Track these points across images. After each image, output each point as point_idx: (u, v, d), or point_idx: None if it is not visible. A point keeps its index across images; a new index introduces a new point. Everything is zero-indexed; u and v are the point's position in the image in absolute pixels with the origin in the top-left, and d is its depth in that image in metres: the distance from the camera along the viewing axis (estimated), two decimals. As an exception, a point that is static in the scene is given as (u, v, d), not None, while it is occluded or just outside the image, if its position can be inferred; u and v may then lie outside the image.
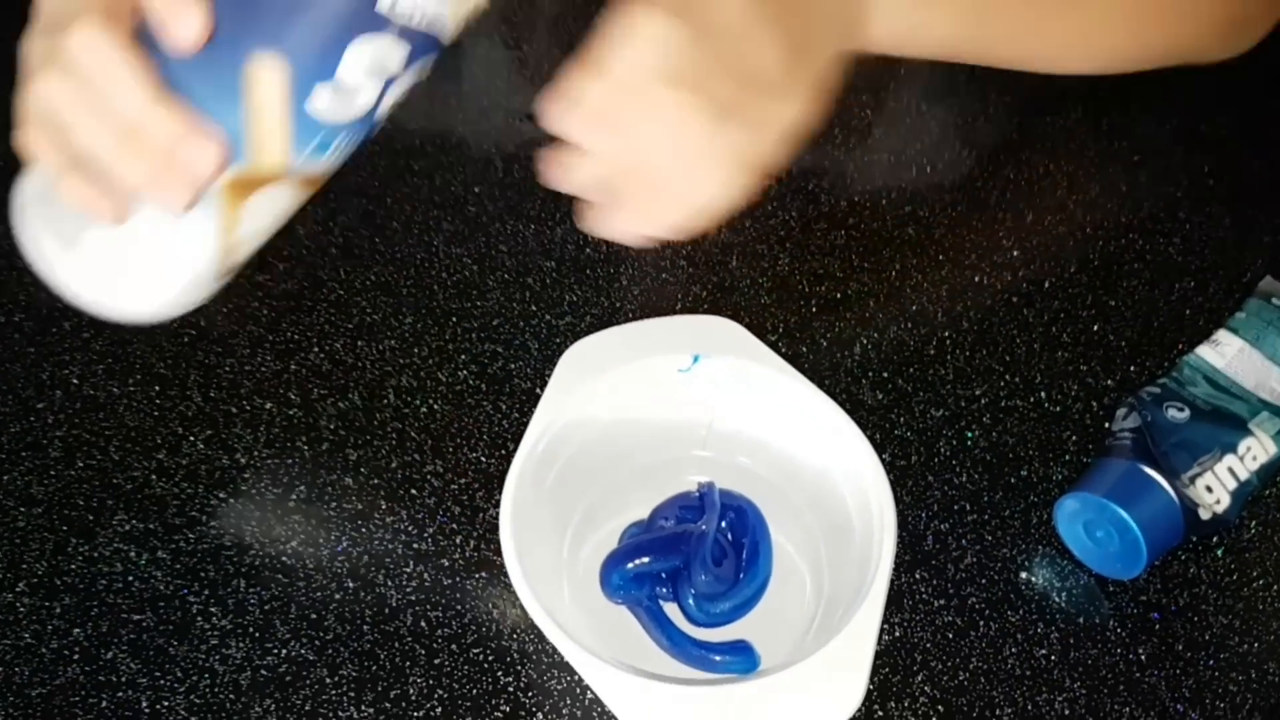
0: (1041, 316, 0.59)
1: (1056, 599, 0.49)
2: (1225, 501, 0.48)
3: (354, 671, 0.46)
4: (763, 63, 0.35)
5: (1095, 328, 0.59)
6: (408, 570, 0.49)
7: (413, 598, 0.48)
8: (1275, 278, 0.58)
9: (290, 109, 0.37)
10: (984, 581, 0.49)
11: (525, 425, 0.45)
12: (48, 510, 0.51)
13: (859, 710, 0.44)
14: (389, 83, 0.39)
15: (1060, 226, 0.63)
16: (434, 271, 0.61)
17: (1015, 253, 0.60)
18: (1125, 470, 0.48)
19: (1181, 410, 0.50)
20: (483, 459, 0.53)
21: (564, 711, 0.46)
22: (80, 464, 0.53)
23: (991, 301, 0.60)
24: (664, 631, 0.45)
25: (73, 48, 0.33)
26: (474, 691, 0.46)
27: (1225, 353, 0.54)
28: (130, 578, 0.49)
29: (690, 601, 0.46)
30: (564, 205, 0.62)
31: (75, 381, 0.55)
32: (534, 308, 0.59)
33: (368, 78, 0.38)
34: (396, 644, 0.47)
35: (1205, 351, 0.54)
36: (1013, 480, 0.53)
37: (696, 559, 0.46)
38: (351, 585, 0.49)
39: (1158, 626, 0.48)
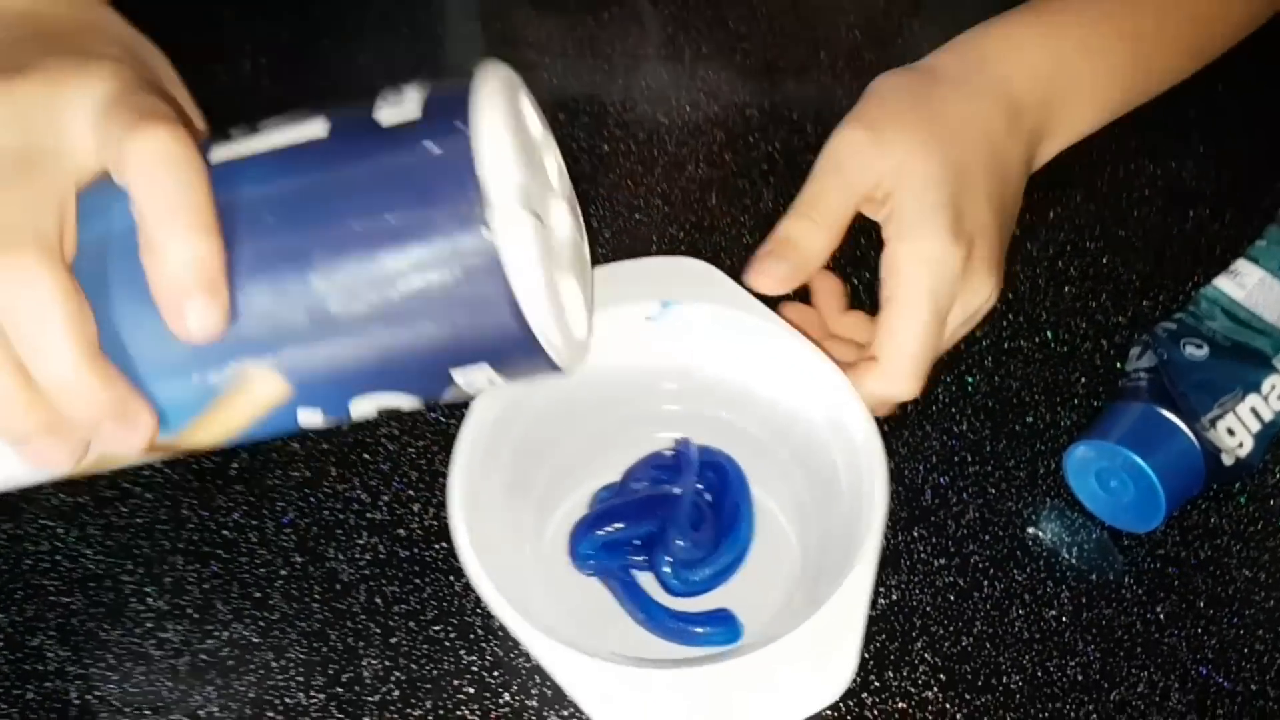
0: (1046, 249, 0.57)
1: (1067, 555, 0.47)
2: (1249, 445, 0.46)
3: (302, 653, 0.44)
4: (983, 306, 0.44)
5: (1104, 260, 0.57)
6: (360, 542, 0.47)
7: (366, 572, 0.46)
8: (1298, 202, 0.56)
9: (260, 418, 0.32)
10: (988, 538, 0.47)
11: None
12: (-35, 486, 0.48)
13: (854, 682, 0.42)
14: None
15: (1064, 152, 0.58)
16: None
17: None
18: (1140, 414, 0.46)
19: (1200, 347, 0.48)
20: (441, 419, 0.50)
21: (533, 691, 0.43)
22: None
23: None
24: (638, 603, 0.43)
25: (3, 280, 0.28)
26: (434, 672, 0.43)
27: (1245, 284, 0.52)
28: (58, 557, 0.46)
29: (666, 570, 0.43)
30: None
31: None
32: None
33: (365, 414, 0.33)
34: (349, 622, 0.44)
35: (1223, 283, 0.52)
36: (1018, 428, 0.51)
37: (673, 523, 0.43)
38: (299, 560, 0.46)
39: (1177, 582, 0.46)
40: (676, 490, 0.44)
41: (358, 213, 0.29)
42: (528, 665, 0.44)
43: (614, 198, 0.59)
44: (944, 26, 0.65)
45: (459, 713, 0.42)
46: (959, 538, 0.47)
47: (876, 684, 0.43)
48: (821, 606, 0.35)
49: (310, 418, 0.32)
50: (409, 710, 0.42)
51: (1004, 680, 0.43)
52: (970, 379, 0.52)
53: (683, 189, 0.59)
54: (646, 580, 0.44)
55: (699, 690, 0.35)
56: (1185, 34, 0.52)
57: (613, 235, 0.57)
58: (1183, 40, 0.52)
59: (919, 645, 0.44)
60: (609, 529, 0.44)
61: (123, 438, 0.30)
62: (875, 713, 0.42)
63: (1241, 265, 0.52)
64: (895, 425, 0.50)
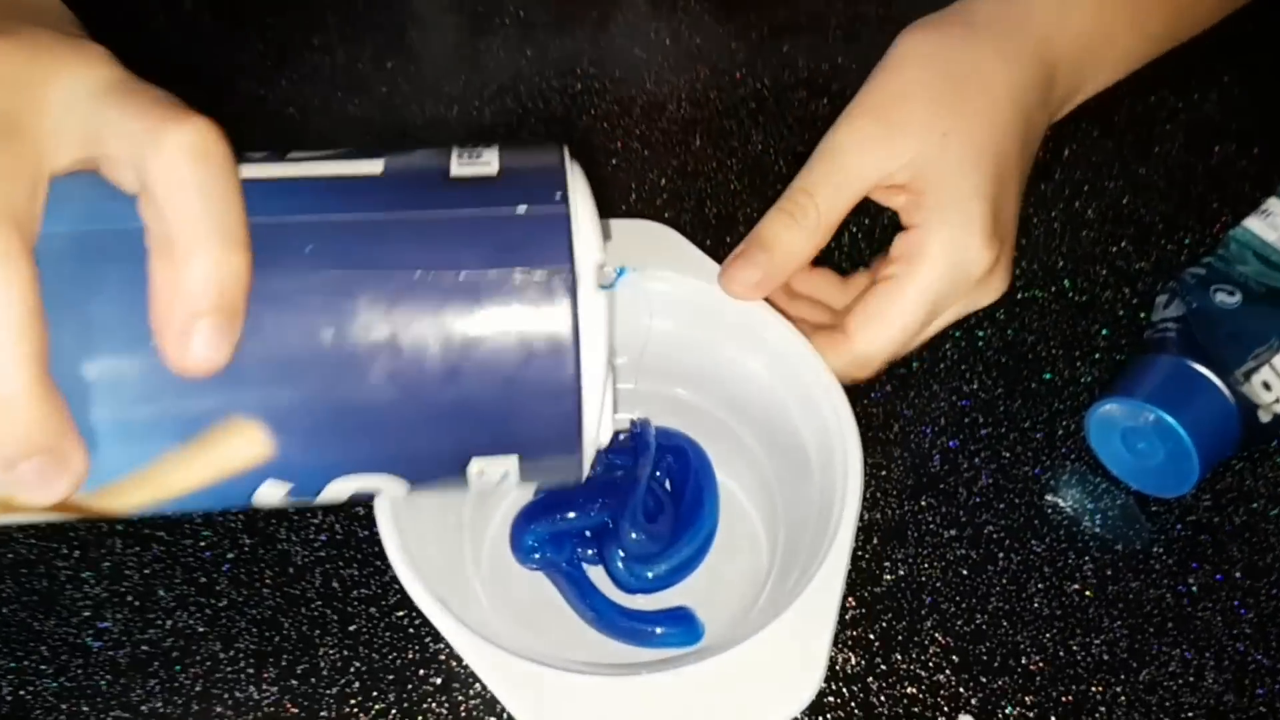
0: (1062, 191, 0.54)
1: (1089, 524, 0.44)
2: (1288, 400, 0.43)
3: (253, 643, 0.41)
4: (992, 296, 0.42)
5: (1125, 201, 0.54)
6: (315, 521, 0.44)
7: (322, 554, 0.43)
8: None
9: (213, 485, 0.27)
10: (1003, 507, 0.44)
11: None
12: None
13: (858, 666, 0.39)
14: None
15: None
16: None
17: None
18: (1169, 367, 0.44)
19: (1231, 294, 0.46)
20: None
21: (506, 681, 0.40)
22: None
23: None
24: (587, 601, 0.40)
25: None
26: (398, 661, 0.41)
27: (1277, 224, 0.49)
28: (-15, 541, 0.44)
29: (619, 565, 0.40)
30: (490, 82, 0.58)
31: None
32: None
33: (335, 497, 0.30)
34: (303, 609, 0.42)
35: (1254, 224, 0.49)
36: (1034, 385, 0.48)
37: (626, 513, 0.40)
38: (248, 542, 0.44)
39: (1210, 551, 0.43)
40: (633, 475, 0.41)
41: (424, 260, 0.26)
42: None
43: (587, 141, 0.56)
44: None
45: (425, 705, 0.40)
46: (971, 507, 0.44)
47: (883, 667, 0.40)
48: (789, 607, 0.32)
49: (271, 493, 0.28)
50: (370, 704, 0.40)
51: (1022, 661, 0.40)
52: (981, 333, 0.49)
53: (663, 131, 0.57)
54: (597, 575, 0.41)
55: (648, 700, 0.32)
56: None
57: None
58: None
59: (929, 625, 0.41)
60: (555, 519, 0.41)
61: (38, 484, 0.24)
62: (882, 699, 0.39)
63: (1273, 204, 0.50)
64: (899, 385, 0.47)
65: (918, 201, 0.40)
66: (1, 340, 0.23)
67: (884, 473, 0.45)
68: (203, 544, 0.43)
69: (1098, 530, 0.44)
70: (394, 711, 0.39)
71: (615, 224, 0.42)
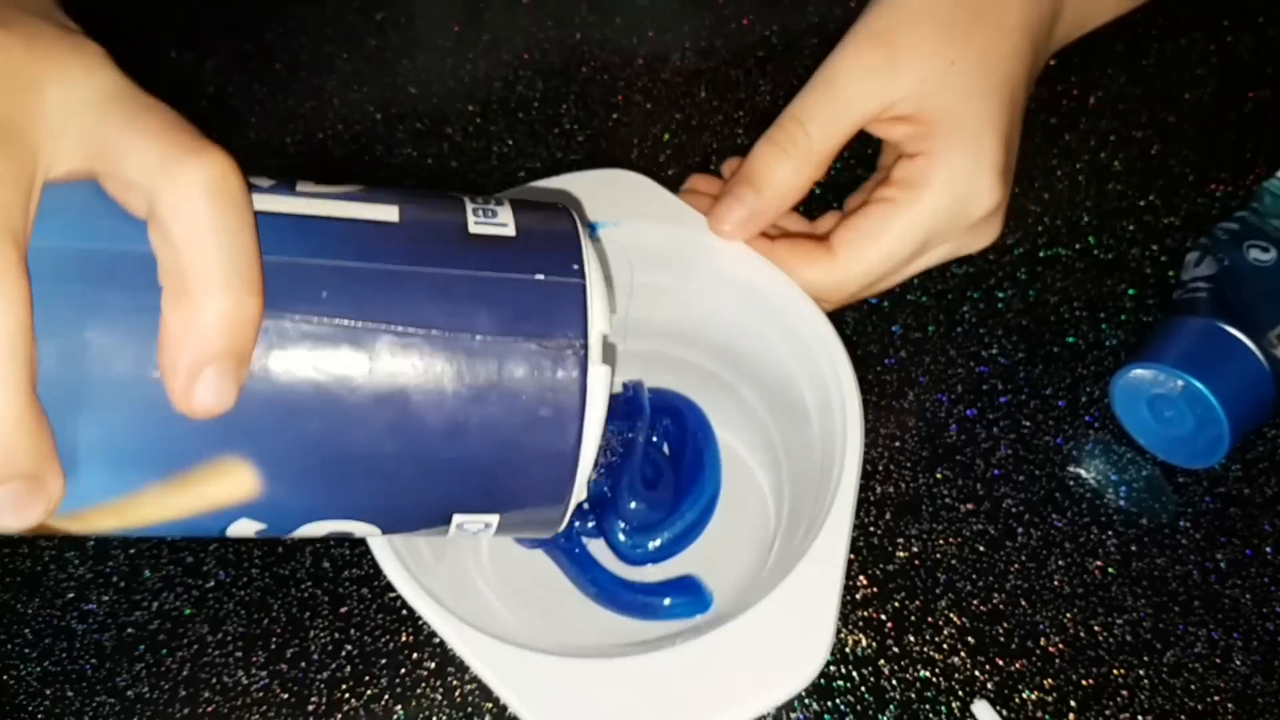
0: (1087, 141, 0.53)
1: (1114, 497, 0.43)
2: (1325, 364, 0.42)
3: (241, 626, 0.40)
4: (983, 243, 0.42)
5: (1153, 150, 0.52)
6: None
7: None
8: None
9: (190, 517, 0.27)
10: (1022, 479, 0.43)
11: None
12: None
13: (869, 648, 0.38)
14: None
15: (1106, 26, 0.55)
16: (327, 123, 0.55)
17: (1051, 62, 0.53)
18: (1199, 330, 0.42)
19: (1266, 250, 0.44)
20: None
21: (502, 665, 0.39)
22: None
23: (1025, 123, 0.53)
24: (589, 576, 0.39)
25: None
26: (391, 645, 0.40)
27: None
28: (-36, 522, 0.43)
29: (620, 537, 0.39)
30: (485, 31, 0.56)
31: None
32: (454, 164, 0.53)
33: (309, 535, 0.29)
34: (293, 590, 0.41)
35: None
36: (1056, 350, 0.46)
37: (624, 482, 0.39)
38: None
39: (1240, 525, 0.42)
40: (629, 438, 0.40)
41: (440, 318, 0.26)
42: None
43: (587, 94, 0.55)
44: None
45: (419, 690, 0.39)
46: (989, 479, 0.43)
47: (895, 650, 0.39)
48: (786, 575, 0.31)
49: (245, 528, 0.28)
50: (362, 688, 0.39)
51: (1041, 642, 0.39)
52: (1001, 294, 0.48)
53: (666, 82, 0.56)
54: (599, 549, 0.40)
55: (646, 681, 0.30)
56: None
57: (585, 140, 0.54)
58: None
59: (943, 604, 0.40)
60: None
61: (10, 509, 0.24)
62: (894, 682, 0.38)
63: (1312, 154, 0.49)
64: (915, 350, 0.46)
65: (925, 131, 0.38)
66: None
67: (898, 444, 0.43)
68: (188, 523, 0.42)
69: (1122, 503, 0.42)
70: (386, 697, 0.38)
71: (586, 176, 0.41)
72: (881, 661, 0.38)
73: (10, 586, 0.41)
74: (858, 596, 0.39)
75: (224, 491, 0.26)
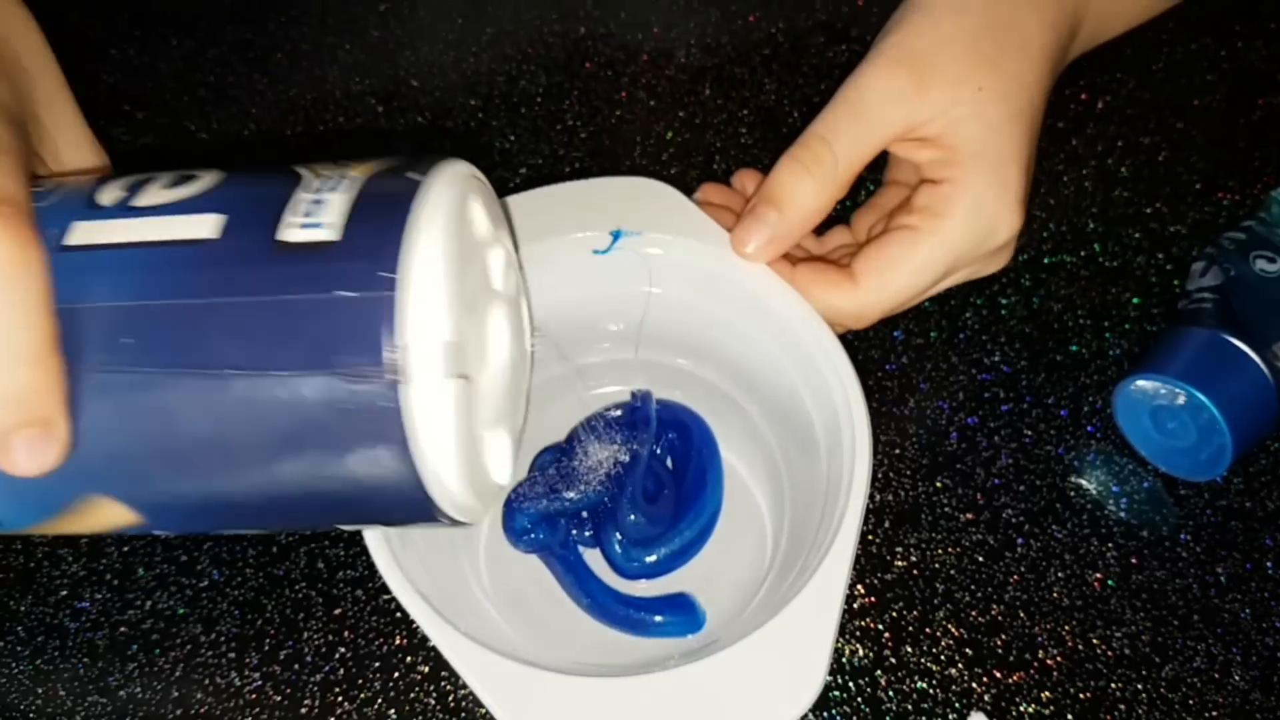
0: (1094, 146, 0.52)
1: (1114, 508, 0.42)
2: (1330, 378, 0.42)
3: (234, 626, 0.40)
4: (997, 266, 0.41)
5: (1160, 157, 0.52)
6: None
7: (306, 533, 0.42)
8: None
9: (106, 533, 0.28)
10: (1023, 489, 0.42)
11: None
12: None
13: (865, 658, 0.38)
14: None
15: None
16: (328, 114, 0.55)
17: (1059, 66, 0.52)
18: (1204, 342, 0.42)
19: (1273, 261, 0.44)
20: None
21: (497, 669, 0.39)
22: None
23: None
24: (583, 587, 0.39)
25: None
26: (385, 648, 0.40)
27: None
28: (-44, 517, 0.42)
29: (617, 548, 0.39)
30: (487, 25, 0.56)
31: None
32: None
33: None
34: (287, 591, 0.41)
35: None
36: (1059, 358, 0.46)
37: (625, 494, 0.39)
38: None
39: (1241, 539, 0.41)
40: (634, 450, 0.40)
41: (239, 358, 0.24)
42: (492, 638, 0.39)
43: (590, 91, 0.54)
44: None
45: (413, 694, 0.38)
46: (989, 489, 0.43)
47: (892, 660, 0.38)
48: (786, 606, 0.31)
49: (171, 532, 0.29)
50: (356, 691, 0.38)
51: (1040, 654, 0.39)
52: (1004, 300, 0.47)
53: (670, 79, 0.55)
54: (595, 560, 0.40)
55: (637, 703, 0.30)
56: None
57: (588, 137, 0.53)
58: None
59: (941, 615, 0.40)
60: (549, 499, 0.39)
61: (29, 454, 0.26)
62: (891, 694, 0.38)
63: (1321, 163, 0.48)
64: (916, 356, 0.45)
65: (950, 157, 0.38)
66: (18, 321, 0.24)
67: (897, 451, 0.43)
68: (182, 522, 0.42)
69: (1122, 515, 0.42)
70: (380, 701, 0.38)
71: (613, 183, 0.40)
72: (878, 672, 0.38)
73: (3, 583, 0.41)
74: (855, 606, 0.39)
75: (112, 519, 0.26)
